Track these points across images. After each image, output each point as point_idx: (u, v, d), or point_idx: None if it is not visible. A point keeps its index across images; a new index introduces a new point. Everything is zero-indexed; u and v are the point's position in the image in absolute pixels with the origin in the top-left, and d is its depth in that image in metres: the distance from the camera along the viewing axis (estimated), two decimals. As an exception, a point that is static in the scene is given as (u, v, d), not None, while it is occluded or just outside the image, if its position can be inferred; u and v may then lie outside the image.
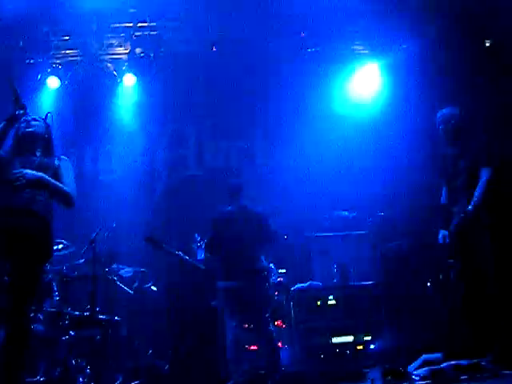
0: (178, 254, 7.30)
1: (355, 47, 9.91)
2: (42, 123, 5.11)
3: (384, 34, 9.47)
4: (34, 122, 5.04)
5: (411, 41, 9.32)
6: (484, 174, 6.00)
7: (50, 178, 4.81)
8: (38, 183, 4.73)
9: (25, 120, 4.97)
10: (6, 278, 4.81)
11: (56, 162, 5.03)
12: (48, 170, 4.89)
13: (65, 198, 4.91)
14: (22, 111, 4.80)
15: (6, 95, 4.93)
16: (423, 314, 7.61)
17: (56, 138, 5.35)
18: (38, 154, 5.01)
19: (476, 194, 5.93)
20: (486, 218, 5.99)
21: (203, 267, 6.91)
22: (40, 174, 4.77)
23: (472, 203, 5.90)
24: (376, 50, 9.73)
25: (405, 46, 9.57)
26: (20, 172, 4.66)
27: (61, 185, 4.88)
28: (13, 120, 4.80)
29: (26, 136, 4.98)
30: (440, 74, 9.01)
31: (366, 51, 9.88)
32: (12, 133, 4.93)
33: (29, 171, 4.71)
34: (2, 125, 4.79)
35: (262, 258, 6.73)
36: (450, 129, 6.35)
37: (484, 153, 6.15)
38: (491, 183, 5.96)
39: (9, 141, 4.91)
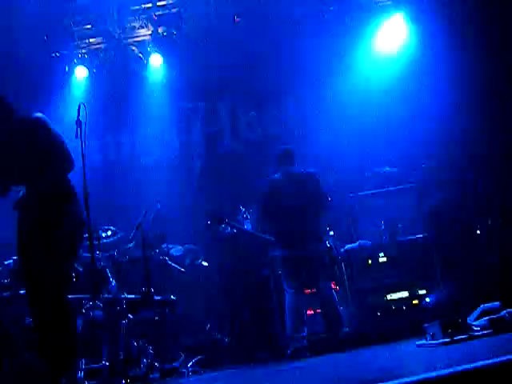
0: (241, 227, 7.36)
1: (377, -1, 9.70)
2: None
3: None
4: None
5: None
6: None
7: None
8: None
9: None
10: None
11: None
12: None
13: None
14: None
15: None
16: (476, 263, 7.53)
17: (91, 126, 5.39)
18: None
19: None
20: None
21: (271, 238, 6.90)
22: None
23: None
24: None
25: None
26: None
27: None
28: None
29: None
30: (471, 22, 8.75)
31: (389, 2, 9.66)
32: None
33: None
34: None
35: (318, 221, 6.75)
36: None
37: None
38: None
39: None
